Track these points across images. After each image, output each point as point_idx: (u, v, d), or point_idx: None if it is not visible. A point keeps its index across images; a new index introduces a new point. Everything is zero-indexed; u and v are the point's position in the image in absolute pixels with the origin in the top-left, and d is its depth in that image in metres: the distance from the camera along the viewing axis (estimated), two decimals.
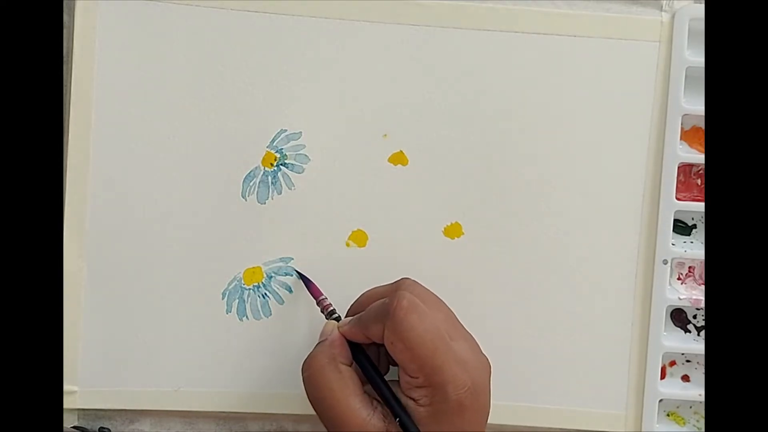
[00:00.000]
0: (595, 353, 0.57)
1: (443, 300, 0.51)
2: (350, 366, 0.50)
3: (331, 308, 0.53)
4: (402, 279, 0.51)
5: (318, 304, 0.53)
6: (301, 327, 0.56)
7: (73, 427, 0.55)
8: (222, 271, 0.55)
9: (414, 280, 0.51)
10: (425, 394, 0.48)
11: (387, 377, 0.51)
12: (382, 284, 0.52)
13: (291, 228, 0.55)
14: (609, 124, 0.56)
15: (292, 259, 0.55)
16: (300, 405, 0.55)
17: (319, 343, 0.51)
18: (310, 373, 0.49)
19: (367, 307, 0.50)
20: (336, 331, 0.51)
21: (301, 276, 0.55)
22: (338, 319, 0.52)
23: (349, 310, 0.53)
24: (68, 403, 0.55)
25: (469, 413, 0.48)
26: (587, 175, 0.56)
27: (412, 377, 0.48)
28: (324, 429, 0.49)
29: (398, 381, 0.49)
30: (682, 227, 0.58)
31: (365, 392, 0.49)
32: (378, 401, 0.49)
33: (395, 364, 0.50)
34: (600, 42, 0.56)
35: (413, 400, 0.48)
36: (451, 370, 0.48)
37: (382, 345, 0.49)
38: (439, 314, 0.50)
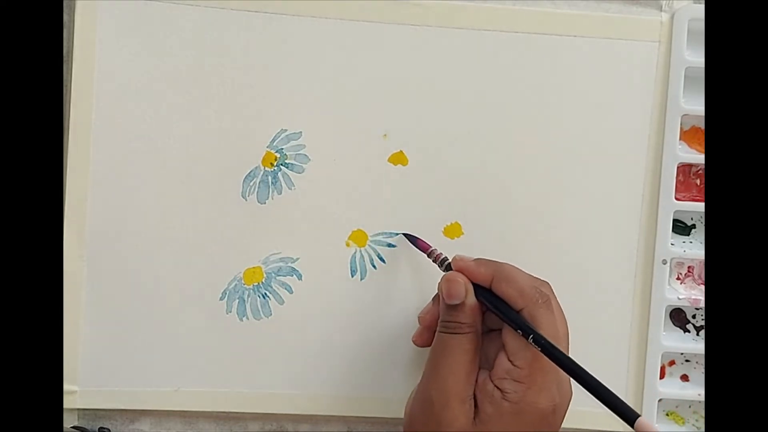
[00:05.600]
0: (594, 353, 0.56)
1: None
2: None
3: (443, 257, 0.53)
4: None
5: (429, 255, 0.53)
6: (302, 327, 0.56)
7: (73, 427, 0.54)
8: (222, 271, 0.55)
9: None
10: (517, 389, 0.47)
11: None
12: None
13: (291, 228, 0.55)
14: (608, 124, 0.56)
15: (293, 259, 0.55)
16: (300, 405, 0.55)
17: (454, 308, 0.49)
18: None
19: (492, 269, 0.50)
20: (473, 299, 0.49)
21: (406, 235, 0.55)
22: (450, 266, 0.52)
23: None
24: (68, 403, 0.54)
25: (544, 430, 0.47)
26: (587, 175, 0.56)
27: (515, 366, 0.47)
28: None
29: (488, 373, 0.48)
30: (681, 227, 0.58)
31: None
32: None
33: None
34: (600, 42, 0.56)
35: (501, 391, 0.47)
36: (553, 381, 0.47)
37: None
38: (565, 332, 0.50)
